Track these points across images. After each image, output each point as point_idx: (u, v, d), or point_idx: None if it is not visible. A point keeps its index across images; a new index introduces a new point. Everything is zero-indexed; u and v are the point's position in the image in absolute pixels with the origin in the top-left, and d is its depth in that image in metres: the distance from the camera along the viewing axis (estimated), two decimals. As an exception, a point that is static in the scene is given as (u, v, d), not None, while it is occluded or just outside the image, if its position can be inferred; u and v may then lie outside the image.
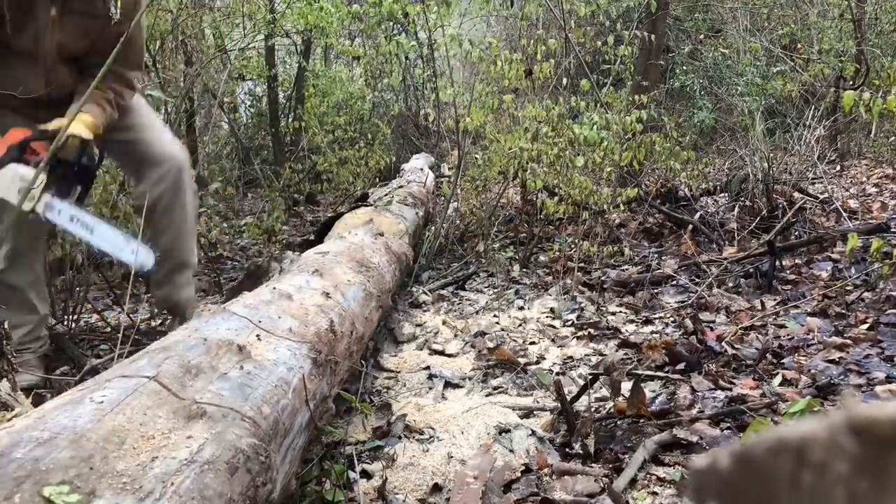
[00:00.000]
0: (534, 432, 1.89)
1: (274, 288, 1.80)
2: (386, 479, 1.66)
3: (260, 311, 1.59)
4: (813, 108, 5.06)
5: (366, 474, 1.72)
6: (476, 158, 4.55)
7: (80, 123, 2.21)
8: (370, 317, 2.26)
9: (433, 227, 4.21)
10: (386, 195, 4.18)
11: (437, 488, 1.65)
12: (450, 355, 2.64)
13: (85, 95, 1.79)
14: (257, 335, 1.46)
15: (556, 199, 3.90)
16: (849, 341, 2.37)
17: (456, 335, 2.87)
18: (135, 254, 2.22)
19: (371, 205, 3.91)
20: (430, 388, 2.30)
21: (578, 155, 3.69)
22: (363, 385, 2.24)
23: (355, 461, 1.70)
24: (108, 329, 3.06)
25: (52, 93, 2.31)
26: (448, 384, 2.34)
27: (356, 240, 2.72)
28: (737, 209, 4.24)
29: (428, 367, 2.46)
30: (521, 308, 3.20)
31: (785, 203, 4.03)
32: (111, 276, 3.48)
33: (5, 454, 0.80)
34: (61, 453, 0.83)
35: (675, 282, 3.36)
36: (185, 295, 2.64)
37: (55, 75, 2.30)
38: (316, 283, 2.00)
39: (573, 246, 3.84)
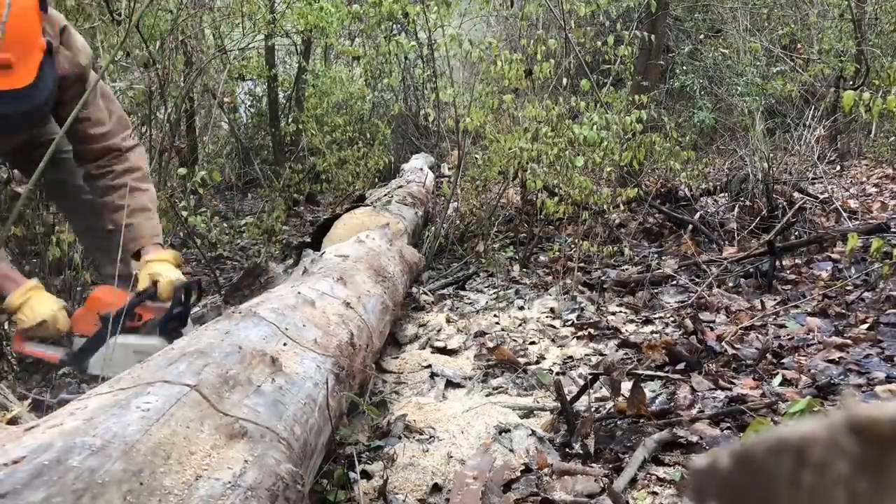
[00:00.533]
0: (534, 432, 1.89)
1: (299, 292, 1.79)
2: (387, 479, 1.66)
3: (286, 317, 1.58)
4: (813, 108, 5.06)
5: (366, 474, 1.72)
6: (476, 158, 4.55)
7: (167, 265, 2.06)
8: (384, 330, 2.28)
9: (433, 227, 4.21)
10: (385, 195, 4.17)
11: (437, 488, 1.65)
12: (452, 351, 2.64)
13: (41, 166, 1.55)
14: (284, 343, 1.46)
15: (556, 199, 3.90)
16: (849, 341, 2.37)
17: (459, 331, 2.87)
18: None
19: (369, 205, 3.91)
20: (432, 387, 2.30)
21: (578, 155, 3.69)
22: (366, 387, 2.24)
23: (356, 462, 1.70)
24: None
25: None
26: (450, 383, 2.34)
27: (374, 245, 2.71)
28: (737, 209, 4.24)
29: (430, 366, 2.46)
30: (521, 308, 3.20)
31: (785, 203, 4.03)
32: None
33: (62, 461, 0.79)
34: (114, 465, 0.82)
35: (675, 282, 3.36)
36: None
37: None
38: (339, 291, 2.00)
39: (573, 246, 3.84)
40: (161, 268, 2.04)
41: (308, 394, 1.33)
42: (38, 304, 1.90)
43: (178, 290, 2.01)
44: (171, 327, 2.02)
